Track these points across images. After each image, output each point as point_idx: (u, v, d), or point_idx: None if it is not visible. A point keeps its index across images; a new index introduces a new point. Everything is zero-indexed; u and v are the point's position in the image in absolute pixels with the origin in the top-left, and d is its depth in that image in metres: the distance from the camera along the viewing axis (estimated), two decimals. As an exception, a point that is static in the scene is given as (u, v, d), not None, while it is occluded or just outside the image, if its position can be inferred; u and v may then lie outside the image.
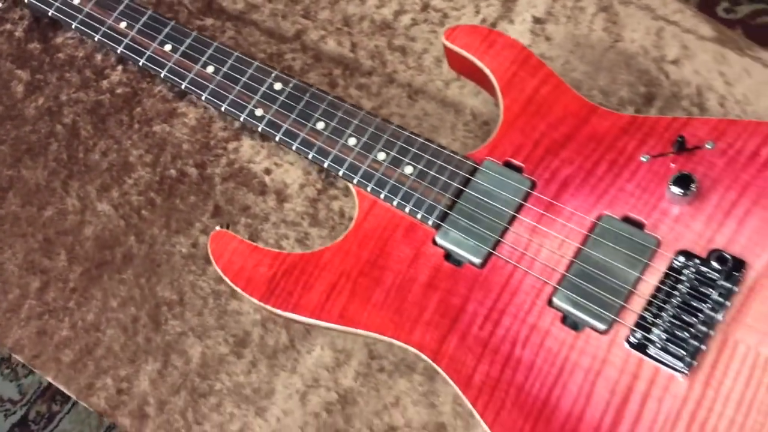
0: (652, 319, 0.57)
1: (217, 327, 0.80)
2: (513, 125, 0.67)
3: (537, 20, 0.87)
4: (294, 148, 0.70)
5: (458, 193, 0.65)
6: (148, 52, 0.77)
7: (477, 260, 0.62)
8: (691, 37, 0.83)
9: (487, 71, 0.69)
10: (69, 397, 1.30)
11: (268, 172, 0.85)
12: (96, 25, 0.80)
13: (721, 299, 0.56)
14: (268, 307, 0.66)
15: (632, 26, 0.85)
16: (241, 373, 0.78)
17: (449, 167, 0.65)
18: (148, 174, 0.88)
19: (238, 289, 0.67)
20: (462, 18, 0.89)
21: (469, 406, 0.59)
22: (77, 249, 0.86)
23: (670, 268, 0.59)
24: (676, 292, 0.58)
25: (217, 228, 0.70)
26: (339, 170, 0.68)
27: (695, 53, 0.82)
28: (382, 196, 0.66)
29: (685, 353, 0.56)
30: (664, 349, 0.56)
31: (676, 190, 0.59)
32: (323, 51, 0.89)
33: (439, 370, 0.60)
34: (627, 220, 0.61)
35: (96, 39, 0.80)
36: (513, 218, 0.63)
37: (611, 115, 0.65)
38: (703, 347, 0.56)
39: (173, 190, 0.86)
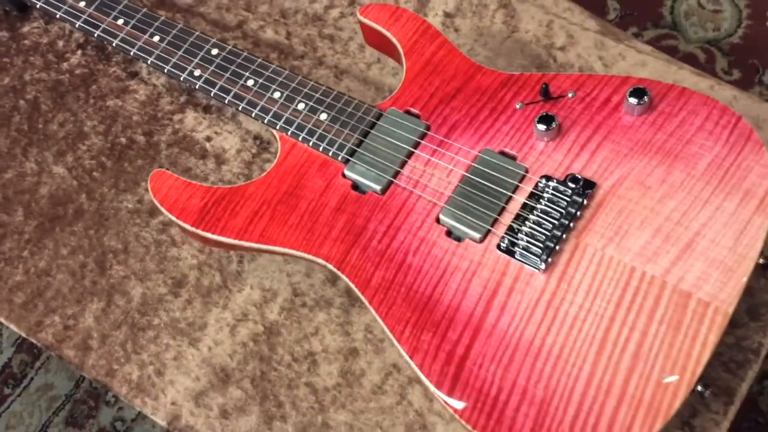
0: (518, 227, 0.69)
1: (157, 271, 0.89)
2: (413, 82, 0.79)
3: (447, 15, 1.01)
4: (226, 101, 0.81)
5: (365, 134, 0.76)
6: (103, 26, 0.88)
7: (378, 188, 0.74)
8: (576, 28, 0.97)
9: (394, 40, 0.81)
10: (21, 380, 1.37)
11: (208, 139, 0.96)
12: (58, 4, 0.91)
13: (572, 210, 0.68)
14: (199, 231, 0.75)
15: (527, 20, 0.98)
16: (178, 309, 0.87)
17: (358, 113, 0.77)
18: (101, 141, 0.98)
19: (173, 218, 0.77)
20: (382, 11, 1.02)
21: (367, 303, 0.69)
22: (33, 206, 0.95)
23: (535, 188, 0.70)
24: (538, 206, 0.69)
25: (161, 169, 0.80)
26: (264, 118, 0.79)
27: (579, 41, 0.96)
28: (300, 138, 0.77)
29: (542, 253, 0.67)
30: (526, 250, 0.67)
31: (540, 127, 0.72)
32: (262, 38, 1.01)
33: (342, 276, 0.71)
34: (503, 153, 0.73)
35: (58, 16, 0.91)
36: (410, 153, 0.75)
37: (493, 73, 0.78)
38: (556, 248, 0.67)
39: (122, 155, 0.97)
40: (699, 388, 0.63)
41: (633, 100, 0.71)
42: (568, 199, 0.69)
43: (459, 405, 0.63)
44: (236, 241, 0.74)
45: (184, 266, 0.89)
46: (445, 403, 0.64)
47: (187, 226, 0.76)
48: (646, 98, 0.71)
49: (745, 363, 0.76)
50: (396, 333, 0.67)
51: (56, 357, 0.89)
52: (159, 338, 0.86)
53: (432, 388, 0.64)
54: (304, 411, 0.81)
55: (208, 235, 0.75)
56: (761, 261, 0.65)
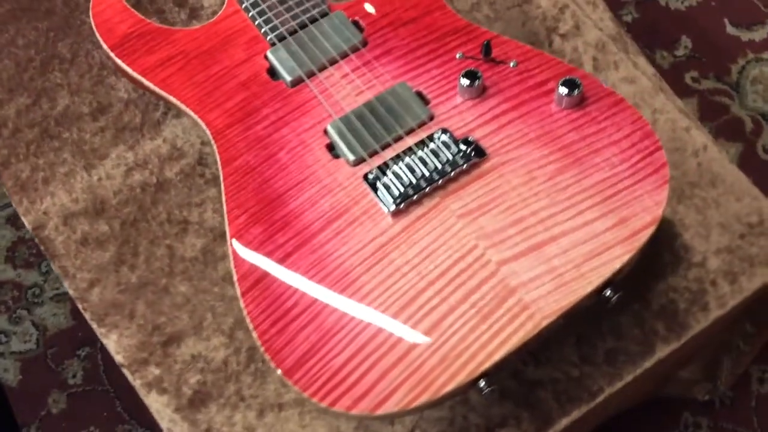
0: (392, 166, 0.66)
1: (89, 91, 0.90)
2: (375, -2, 0.76)
3: (471, -38, 0.96)
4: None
5: (303, 26, 0.74)
6: None
7: (289, 79, 0.72)
8: (589, 22, 0.91)
9: None
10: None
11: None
12: None
13: (448, 169, 0.65)
14: (112, 55, 0.75)
15: (545, -5, 0.94)
16: (89, 132, 0.88)
17: (306, 4, 0.75)
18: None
19: (97, 34, 0.77)
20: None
21: (221, 179, 0.68)
22: (12, -9, 0.97)
23: (428, 136, 0.67)
24: (419, 153, 0.66)
25: None
26: (221, -26, 0.78)
27: (583, 35, 0.90)
28: (243, 5, 0.76)
29: (398, 196, 0.64)
30: (386, 188, 0.65)
31: (463, 81, 0.68)
32: None
33: (213, 144, 0.70)
34: (419, 93, 0.70)
35: None
36: (334, 61, 0.72)
37: (453, 16, 0.74)
38: (413, 197, 0.64)
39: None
40: (608, 292, 0.61)
41: (562, 90, 0.67)
42: (450, 158, 0.65)
43: (250, 303, 0.62)
44: (140, 77, 0.74)
45: (114, 97, 0.90)
46: (241, 295, 0.62)
47: (105, 47, 0.76)
48: (576, 92, 0.67)
49: (576, 400, 0.72)
50: (231, 215, 0.66)
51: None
52: (60, 151, 0.87)
53: (234, 276, 0.63)
54: (153, 269, 0.81)
55: (119, 62, 0.75)
56: (608, 293, 0.61)
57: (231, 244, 0.64)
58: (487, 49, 0.70)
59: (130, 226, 0.84)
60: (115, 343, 0.79)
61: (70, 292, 0.82)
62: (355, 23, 0.75)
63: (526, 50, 0.71)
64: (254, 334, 0.61)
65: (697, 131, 0.84)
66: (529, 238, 0.62)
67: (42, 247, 0.84)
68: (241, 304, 0.62)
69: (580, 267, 0.60)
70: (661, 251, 0.78)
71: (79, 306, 0.82)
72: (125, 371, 0.78)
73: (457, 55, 0.72)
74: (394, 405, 0.58)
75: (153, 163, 0.86)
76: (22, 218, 0.86)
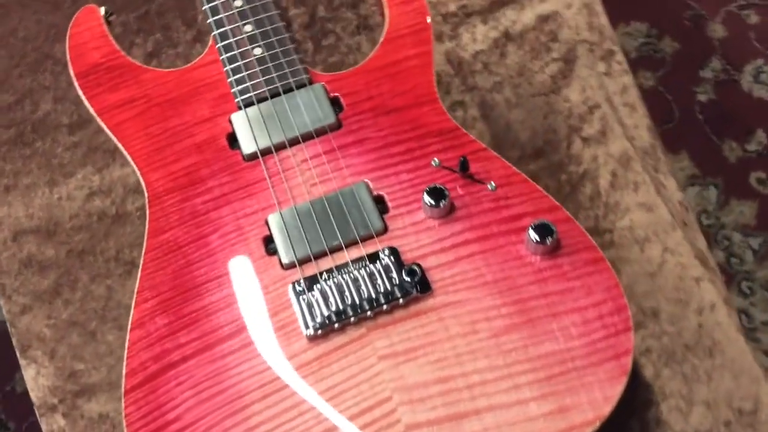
0: (321, 282, 0.58)
1: (73, 101, 0.85)
2: (367, 73, 0.68)
3: (506, 34, 0.87)
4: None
5: (275, 94, 0.67)
6: None
7: (246, 152, 0.65)
8: (618, 129, 0.81)
9: (386, 16, 0.70)
10: None
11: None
12: None
13: (382, 300, 0.57)
14: (76, 84, 0.70)
15: (576, 89, 0.83)
16: (62, 145, 0.84)
17: (286, 70, 0.68)
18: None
19: (68, 56, 0.71)
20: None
21: (144, 248, 0.62)
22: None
23: (371, 255, 0.59)
24: (354, 272, 0.58)
25: (98, 8, 0.74)
26: (209, 18, 0.71)
27: (608, 143, 0.80)
28: (221, 56, 0.69)
29: (319, 321, 0.57)
30: (309, 307, 0.57)
31: (426, 198, 0.60)
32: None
33: (147, 208, 0.64)
34: (378, 198, 0.62)
35: None
36: (296, 142, 0.65)
37: (442, 115, 0.66)
38: (335, 326, 0.56)
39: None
40: None
41: (533, 235, 0.58)
42: (388, 288, 0.57)
43: (132, 404, 0.56)
44: (96, 116, 0.69)
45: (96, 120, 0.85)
46: (124, 392, 0.57)
47: (72, 73, 0.71)
48: (548, 241, 0.57)
49: None
50: (140, 296, 0.60)
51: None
52: (29, 160, 0.83)
53: (124, 369, 0.57)
54: (87, 309, 0.76)
55: (80, 92, 0.70)
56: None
57: (129, 332, 0.58)
58: (463, 165, 0.61)
59: (76, 257, 0.79)
60: (32, 380, 0.75)
61: (4, 311, 0.78)
62: (335, 100, 0.67)
63: (511, 173, 0.62)
64: (126, 440, 0.55)
65: (709, 285, 0.73)
66: (450, 403, 0.54)
67: (-17, 260, 0.80)
68: (122, 402, 0.57)
69: (497, 458, 0.52)
70: (629, 419, 0.68)
71: (9, 328, 0.78)
72: (36, 411, 0.74)
73: (433, 162, 0.63)
74: None
75: (116, 193, 0.81)
76: (-27, 230, 0.82)
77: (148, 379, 0.57)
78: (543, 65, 0.84)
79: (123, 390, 0.57)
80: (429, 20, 0.71)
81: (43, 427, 0.73)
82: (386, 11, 0.71)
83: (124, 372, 0.57)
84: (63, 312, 0.77)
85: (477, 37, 0.87)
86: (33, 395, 0.74)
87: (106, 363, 0.74)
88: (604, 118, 0.81)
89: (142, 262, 0.61)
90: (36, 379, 0.74)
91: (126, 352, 0.58)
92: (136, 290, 0.60)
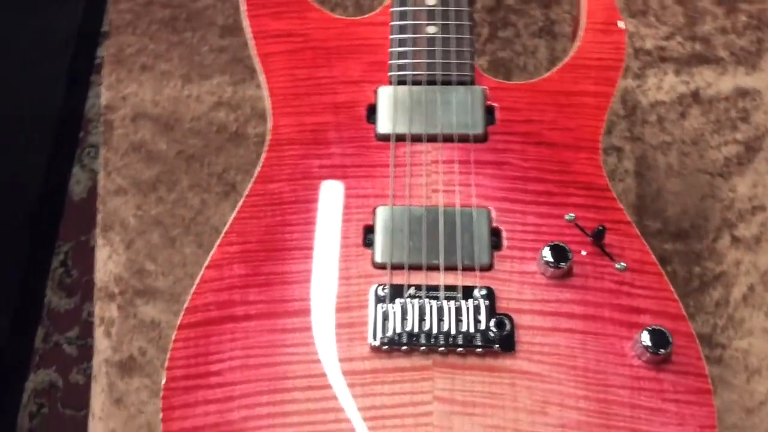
0: (406, 297, 0.54)
1: (233, 7, 0.83)
2: (534, 93, 0.62)
3: (695, 96, 0.78)
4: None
5: (432, 82, 0.62)
6: None
7: (380, 130, 0.61)
8: None
9: (579, 38, 0.64)
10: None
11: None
12: None
13: (460, 341, 0.53)
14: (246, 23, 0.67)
15: (749, 182, 0.74)
16: (209, 45, 0.82)
17: (453, 61, 0.62)
18: None
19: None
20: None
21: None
22: None
23: (467, 289, 0.55)
24: (442, 302, 0.54)
25: None
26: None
27: (758, 252, 0.71)
28: (394, 22, 0.64)
29: (389, 334, 0.53)
30: (384, 317, 0.53)
31: (546, 252, 0.54)
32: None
33: (264, 150, 0.61)
34: (495, 231, 0.57)
35: None
36: (435, 139, 0.60)
37: (597, 170, 0.59)
38: (404, 346, 0.52)
39: None
40: None
41: (645, 340, 0.51)
42: (471, 331, 0.53)
43: (181, 340, 0.54)
44: (250, 36, 0.65)
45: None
46: (179, 326, 0.55)
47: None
48: (661, 351, 0.51)
49: None
50: (226, 238, 0.57)
51: None
52: (174, 47, 0.82)
53: (186, 303, 0.55)
54: (175, 214, 0.76)
55: (242, 8, 0.66)
56: None
57: (204, 268, 0.56)
58: (599, 234, 0.55)
59: (183, 159, 0.78)
60: (102, 261, 0.75)
61: (99, 186, 0.78)
62: (490, 109, 0.62)
63: (647, 261, 0.55)
64: (164, 374, 0.54)
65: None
66: (489, 477, 0.50)
67: (101, 128, 0.80)
68: (173, 334, 0.55)
69: None
70: None
71: (98, 203, 0.78)
72: (95, 292, 0.75)
73: (567, 216, 0.57)
74: None
75: (243, 111, 0.79)
76: (101, 90, 0.82)
77: (206, 322, 0.55)
78: (722, 142, 0.76)
79: (178, 323, 0.55)
80: (623, 63, 0.64)
81: (96, 310, 0.74)
82: (580, 33, 0.65)
83: (185, 305, 0.56)
84: (153, 208, 0.76)
85: (664, 86, 0.79)
86: (98, 276, 0.75)
87: (175, 273, 0.73)
88: (765, 225, 0.73)
89: (240, 204, 0.59)
90: (106, 262, 0.75)
91: (194, 287, 0.56)
92: (225, 229, 0.58)
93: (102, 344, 0.71)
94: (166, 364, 0.54)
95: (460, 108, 0.61)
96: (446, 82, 0.62)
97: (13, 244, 1.07)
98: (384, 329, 0.53)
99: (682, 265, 0.70)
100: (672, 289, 0.55)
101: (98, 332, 0.71)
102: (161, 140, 0.79)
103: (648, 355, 0.52)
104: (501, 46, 0.81)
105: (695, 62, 0.79)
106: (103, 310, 0.72)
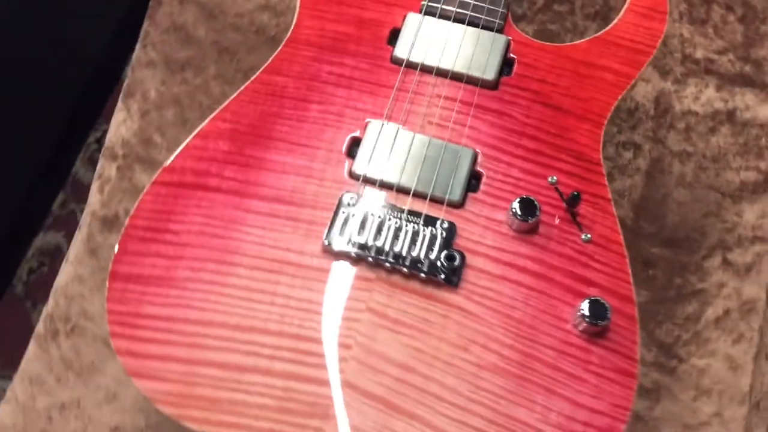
0: (369, 210, 0.55)
1: None
2: (557, 56, 0.62)
3: (730, 116, 0.76)
4: None
5: (460, 20, 0.62)
6: None
7: (396, 54, 0.62)
8: (766, 277, 0.70)
9: (620, 16, 0.64)
10: None
11: None
12: None
13: (407, 262, 0.53)
14: None
15: (757, 212, 0.73)
16: None
17: (485, 5, 0.62)
18: None
19: None
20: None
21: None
22: None
23: (430, 218, 0.55)
24: (402, 223, 0.55)
25: None
26: None
27: (746, 282, 0.70)
28: None
29: (343, 239, 0.54)
30: (344, 222, 0.55)
31: (515, 204, 0.55)
32: None
33: (281, 45, 0.62)
34: (476, 174, 0.57)
35: None
36: (445, 75, 0.61)
37: (595, 144, 0.58)
38: (353, 253, 0.54)
39: None
40: None
41: (584, 308, 0.51)
42: (420, 257, 0.53)
43: (150, 198, 0.56)
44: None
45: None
46: (152, 183, 0.57)
47: None
48: (595, 322, 0.51)
49: None
50: (221, 114, 0.59)
51: None
52: None
53: (165, 164, 0.57)
54: (195, 97, 0.78)
55: None
56: None
57: (192, 136, 0.58)
58: (573, 200, 0.55)
59: (216, 50, 0.80)
60: (116, 124, 0.78)
61: (134, 55, 0.81)
62: (510, 61, 0.62)
63: (614, 240, 0.55)
64: (127, 222, 0.56)
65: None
66: (395, 392, 0.50)
67: (150, 3, 0.83)
68: (144, 191, 0.57)
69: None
70: None
71: (128, 69, 0.81)
72: (101, 151, 0.77)
73: (550, 179, 0.57)
74: (147, 389, 0.51)
75: (285, 18, 0.81)
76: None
77: (179, 185, 0.57)
78: (743, 166, 0.74)
79: (153, 179, 0.57)
80: (654, 51, 0.63)
81: (98, 166, 0.76)
82: (623, 11, 0.64)
83: (165, 164, 0.58)
84: (176, 87, 0.79)
85: (701, 97, 0.78)
86: (108, 137, 0.78)
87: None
88: (759, 257, 0.71)
89: (243, 87, 0.61)
90: (120, 126, 0.77)
91: (178, 150, 0.58)
92: (222, 107, 0.60)
93: (94, 198, 0.74)
94: (132, 212, 0.57)
95: (478, 52, 0.61)
96: (473, 24, 0.62)
97: (57, 109, 1.12)
98: (340, 233, 0.55)
99: (665, 272, 0.69)
100: (629, 272, 0.54)
101: (94, 186, 0.75)
102: (201, 27, 0.81)
103: (584, 324, 0.52)
104: (552, 19, 0.81)
105: (740, 83, 0.77)
106: (104, 167, 0.75)
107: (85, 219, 0.73)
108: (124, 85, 0.79)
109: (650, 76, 0.78)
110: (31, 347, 0.68)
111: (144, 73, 0.79)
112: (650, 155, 0.75)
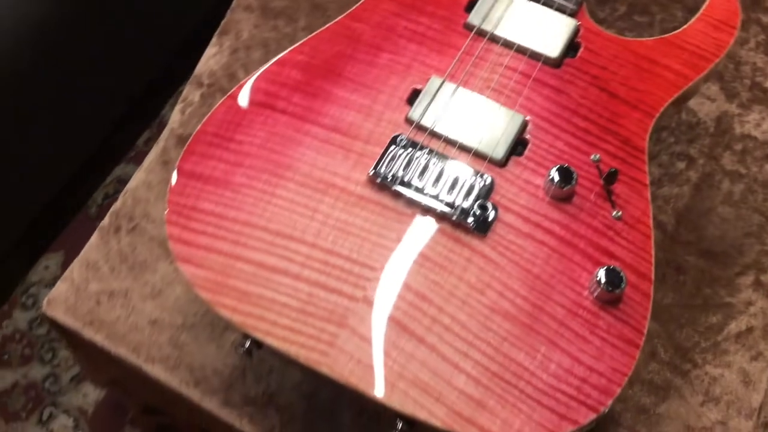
0: (417, 152, 0.60)
1: None
2: (624, 48, 0.65)
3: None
4: None
5: None
6: None
7: (470, 21, 0.66)
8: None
9: (691, 22, 0.66)
10: None
11: None
12: None
13: (441, 205, 0.57)
14: None
15: None
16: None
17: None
18: None
19: None
20: None
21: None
22: None
23: (473, 169, 0.59)
24: (446, 168, 0.59)
25: None
26: None
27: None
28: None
29: (390, 173, 0.59)
30: (392, 159, 0.59)
31: (554, 171, 0.58)
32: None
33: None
34: (522, 141, 0.61)
35: None
36: (511, 46, 0.64)
37: (643, 133, 0.61)
38: (394, 188, 0.58)
39: None
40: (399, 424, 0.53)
41: (600, 275, 0.54)
42: (455, 202, 0.57)
43: (222, 110, 0.62)
44: None
45: None
46: (222, 101, 0.62)
47: None
48: (609, 289, 0.53)
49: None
50: (300, 48, 0.64)
51: None
52: None
53: (243, 84, 0.63)
54: (281, 39, 0.83)
55: None
56: (399, 425, 0.52)
57: (271, 62, 0.64)
58: (610, 177, 0.58)
59: (311, 4, 0.86)
60: (207, 57, 0.84)
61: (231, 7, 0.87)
62: (575, 46, 0.65)
63: (644, 222, 0.57)
64: (200, 125, 0.62)
65: (728, 488, 0.64)
66: (409, 315, 0.54)
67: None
68: (214, 108, 0.62)
69: (401, 385, 0.52)
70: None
71: (229, 12, 0.87)
72: (187, 84, 0.83)
73: (593, 156, 0.60)
74: (191, 273, 0.56)
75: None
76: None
77: (251, 102, 0.62)
78: None
79: (230, 92, 0.63)
80: (717, 60, 0.65)
81: (183, 91, 0.83)
82: (694, 18, 0.66)
83: (243, 80, 0.63)
84: (266, 32, 0.84)
85: (763, 125, 0.78)
86: (197, 67, 0.84)
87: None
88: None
89: (324, 27, 0.66)
90: (210, 59, 0.84)
91: (258, 72, 0.64)
92: (302, 41, 0.65)
93: (175, 117, 0.80)
94: (206, 118, 0.62)
95: (548, 31, 0.65)
96: (548, 4, 0.66)
97: (154, 57, 1.20)
98: (387, 167, 0.59)
99: (695, 281, 0.70)
100: (652, 253, 0.57)
101: (177, 108, 0.81)
102: (295, -16, 0.87)
103: (599, 290, 0.54)
104: (630, 27, 0.83)
105: (806, 118, 0.78)
106: (189, 92, 0.82)
107: (164, 134, 0.79)
108: (222, 23, 0.85)
109: (716, 96, 0.80)
110: (94, 237, 0.74)
111: (240, 15, 0.85)
112: (702, 169, 0.76)
